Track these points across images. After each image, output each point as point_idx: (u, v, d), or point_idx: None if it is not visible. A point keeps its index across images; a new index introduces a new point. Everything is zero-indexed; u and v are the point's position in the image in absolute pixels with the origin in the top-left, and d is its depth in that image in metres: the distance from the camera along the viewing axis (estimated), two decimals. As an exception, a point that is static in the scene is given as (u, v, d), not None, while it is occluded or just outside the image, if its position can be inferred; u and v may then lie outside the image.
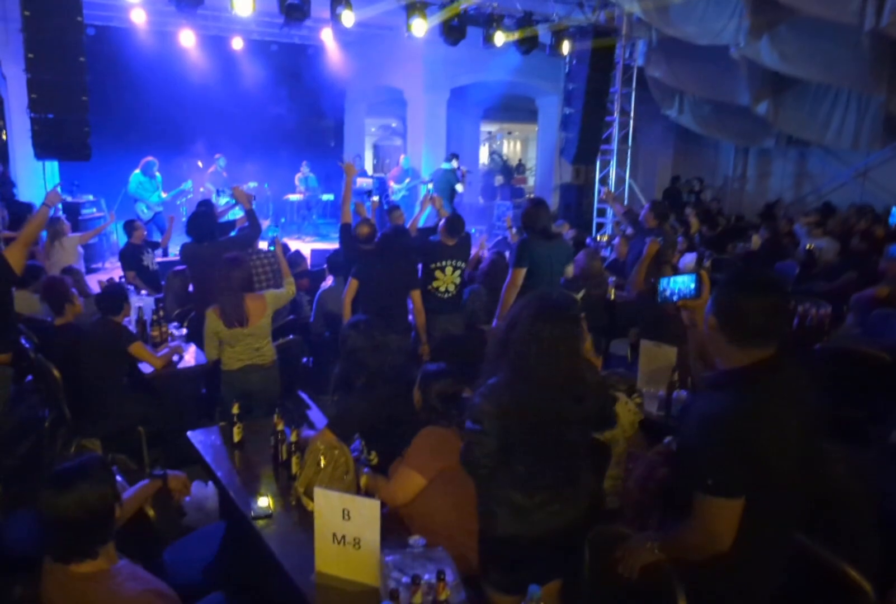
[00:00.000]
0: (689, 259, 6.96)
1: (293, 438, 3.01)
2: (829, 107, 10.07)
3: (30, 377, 4.39)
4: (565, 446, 2.27)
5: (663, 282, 2.47)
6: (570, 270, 5.23)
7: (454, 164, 10.97)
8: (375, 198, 10.25)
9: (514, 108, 16.22)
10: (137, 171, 9.56)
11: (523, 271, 4.72)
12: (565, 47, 9.48)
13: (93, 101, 6.76)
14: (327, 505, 2.28)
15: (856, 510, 2.59)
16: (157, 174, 9.73)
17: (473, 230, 11.47)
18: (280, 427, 3.09)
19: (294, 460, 2.93)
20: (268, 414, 3.34)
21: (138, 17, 8.56)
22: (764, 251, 7.70)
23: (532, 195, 15.81)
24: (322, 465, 2.74)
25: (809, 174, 12.83)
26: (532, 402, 2.18)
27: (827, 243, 7.69)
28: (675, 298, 2.41)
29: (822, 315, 5.30)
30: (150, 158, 9.74)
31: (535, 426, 2.19)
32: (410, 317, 5.02)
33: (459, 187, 11.05)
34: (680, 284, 2.40)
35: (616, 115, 10.60)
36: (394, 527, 2.51)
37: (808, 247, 7.55)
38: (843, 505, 2.67)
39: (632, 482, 3.19)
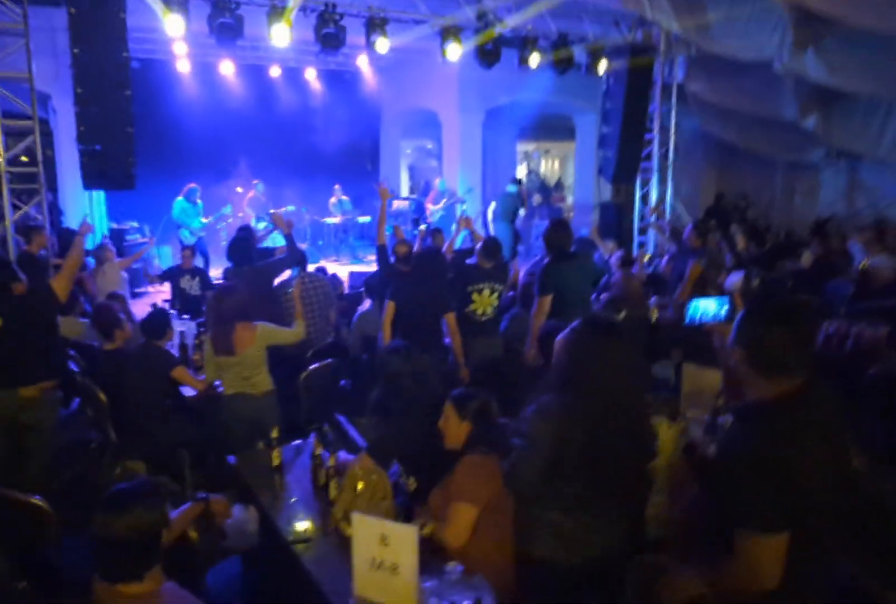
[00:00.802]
0: (735, 278, 6.78)
1: (331, 462, 2.99)
2: (881, 119, 9.79)
3: (77, 401, 4.48)
4: (615, 471, 2.21)
5: (692, 304, 2.42)
6: (610, 246, 5.15)
7: (518, 187, 11.07)
8: (423, 226, 10.34)
9: (551, 127, 16.20)
10: (180, 197, 9.82)
11: (549, 298, 4.70)
12: (602, 66, 9.43)
13: (137, 130, 6.96)
14: (365, 531, 2.25)
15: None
16: (199, 201, 9.97)
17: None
18: (318, 451, 3.09)
19: (332, 484, 2.92)
20: (268, 443, 3.31)
21: (180, 50, 8.82)
22: (815, 269, 7.46)
23: (571, 214, 15.76)
24: (360, 490, 2.72)
25: (862, 188, 12.43)
26: (588, 422, 2.13)
27: (884, 260, 7.39)
28: (703, 321, 2.35)
29: (877, 337, 5.09)
30: (192, 185, 9.99)
31: (588, 447, 2.14)
32: (447, 339, 5.00)
33: (522, 211, 11.16)
34: (710, 307, 2.34)
35: (656, 132, 10.49)
36: (431, 553, 2.46)
37: (862, 264, 7.28)
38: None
39: (676, 512, 3.10)
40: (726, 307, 2.37)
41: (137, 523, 1.94)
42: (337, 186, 12.86)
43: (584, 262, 5.10)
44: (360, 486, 2.70)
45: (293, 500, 3.00)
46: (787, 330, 1.83)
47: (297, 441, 3.57)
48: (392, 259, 5.31)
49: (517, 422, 2.30)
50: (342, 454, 3.13)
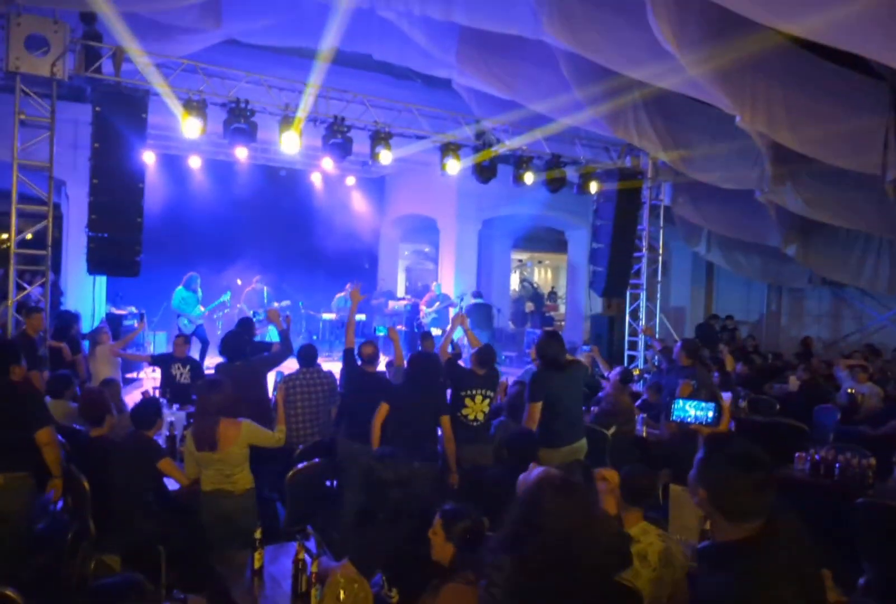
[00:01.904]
0: (723, 398, 6.88)
1: (314, 568, 2.93)
2: (860, 250, 10.23)
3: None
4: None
5: (679, 402, 2.47)
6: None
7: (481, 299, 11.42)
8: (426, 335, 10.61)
9: (544, 239, 16.81)
10: (180, 286, 9.98)
11: (539, 405, 4.75)
12: (593, 187, 9.92)
13: (144, 219, 7.19)
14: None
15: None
16: (199, 289, 10.13)
17: (503, 357, 11.60)
18: (301, 556, 3.03)
19: (314, 592, 2.84)
20: (251, 544, 3.23)
21: (194, 148, 9.25)
22: (802, 393, 7.56)
23: (563, 323, 16.00)
24: (341, 599, 2.65)
25: (847, 314, 12.75)
26: (537, 583, 2.09)
27: (870, 388, 7.51)
28: (690, 421, 2.40)
29: (865, 466, 5.12)
30: (192, 273, 10.19)
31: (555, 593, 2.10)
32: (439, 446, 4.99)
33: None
34: (698, 409, 2.40)
35: (644, 250, 10.89)
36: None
37: (849, 391, 7.40)
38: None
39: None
40: (712, 412, 2.43)
41: None
42: (348, 286, 13.07)
43: (577, 372, 5.18)
44: (342, 595, 2.64)
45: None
46: (745, 476, 1.88)
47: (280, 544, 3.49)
48: (359, 361, 5.36)
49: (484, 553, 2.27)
50: (325, 560, 3.07)
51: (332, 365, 10.31)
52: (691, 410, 2.45)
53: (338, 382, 5.86)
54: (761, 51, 6.10)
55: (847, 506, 4.50)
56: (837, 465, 5.18)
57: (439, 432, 4.94)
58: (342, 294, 12.85)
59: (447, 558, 2.67)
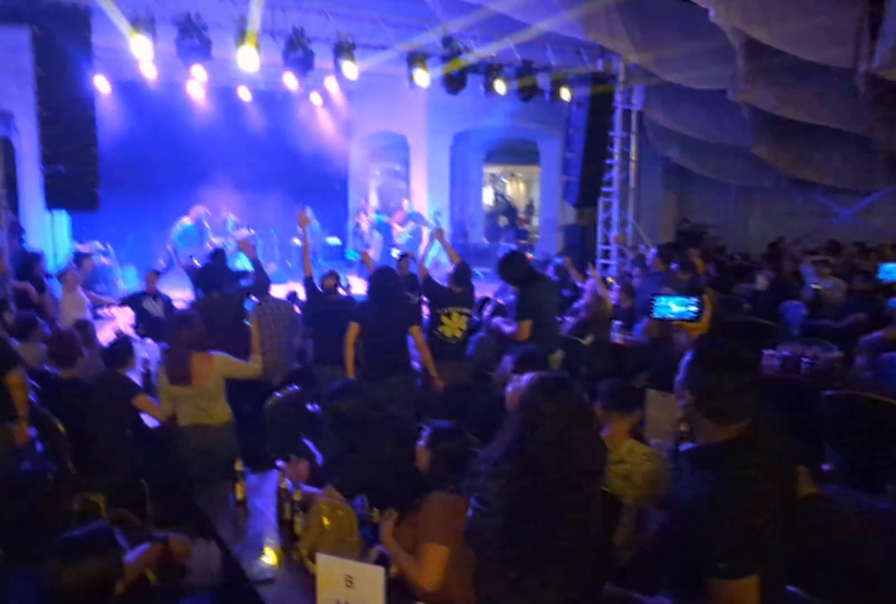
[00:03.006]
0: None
1: (297, 496, 2.97)
2: (828, 147, 10.19)
3: (33, 430, 4.37)
4: (573, 525, 2.19)
5: (660, 299, 2.45)
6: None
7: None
8: (396, 252, 10.43)
9: (517, 151, 16.47)
10: (188, 222, 9.74)
11: (529, 323, 4.78)
12: (565, 94, 9.63)
13: (102, 150, 6.90)
14: (330, 571, 2.25)
15: (873, 562, 2.55)
16: (207, 225, 9.95)
17: (479, 272, 11.57)
18: (283, 484, 3.06)
19: (297, 520, 2.89)
20: (226, 476, 3.26)
21: (148, 71, 8.78)
22: (770, 292, 7.66)
23: (537, 235, 15.93)
24: (326, 525, 2.70)
25: (812, 213, 12.87)
26: (542, 484, 2.14)
27: (834, 283, 7.64)
28: (671, 317, 2.39)
29: (831, 359, 5.27)
30: (201, 209, 9.92)
31: (544, 508, 2.14)
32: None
33: None
34: (679, 304, 2.39)
35: (617, 158, 10.72)
36: (399, 594, 2.44)
37: (814, 287, 7.52)
38: (858, 558, 2.63)
39: (642, 540, 3.13)
40: (694, 307, 2.41)
41: (89, 573, 1.87)
42: (307, 208, 12.86)
43: (548, 285, 5.26)
44: (326, 522, 2.69)
45: (257, 535, 2.97)
46: (733, 379, 1.90)
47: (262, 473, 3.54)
48: (321, 290, 5.37)
49: (470, 477, 2.30)
50: (307, 487, 3.11)
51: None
52: (673, 306, 2.42)
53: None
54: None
55: (815, 398, 4.66)
56: (805, 359, 5.32)
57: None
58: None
59: (424, 466, 2.73)
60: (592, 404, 3.13)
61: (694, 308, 2.37)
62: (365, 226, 12.87)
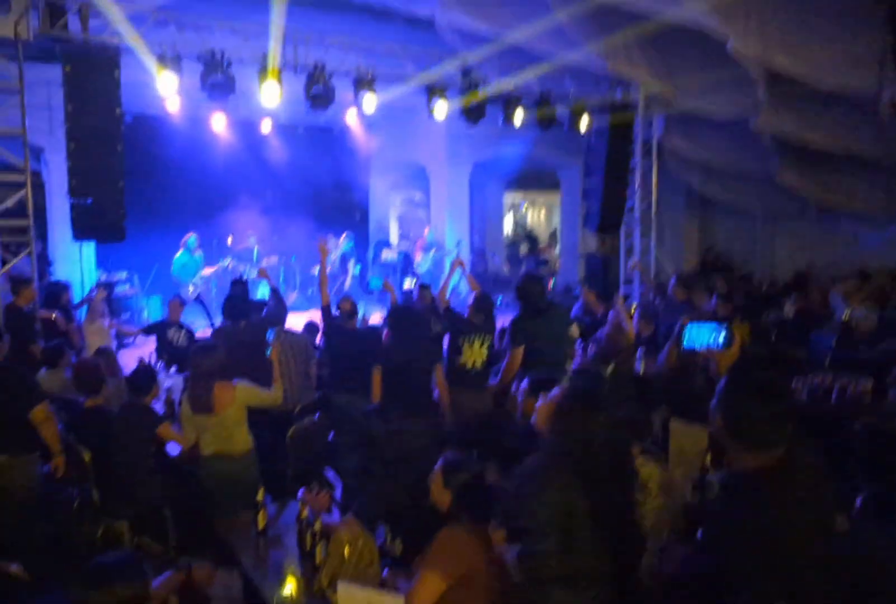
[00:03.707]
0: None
1: (317, 526, 2.95)
2: (855, 174, 10.07)
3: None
4: (614, 534, 2.19)
5: (688, 329, 2.42)
6: (574, 331, 5.22)
7: None
8: (411, 279, 10.45)
9: (537, 179, 16.54)
10: (180, 252, 9.92)
11: (521, 350, 4.74)
12: (583, 123, 9.69)
13: (128, 182, 7.04)
14: (351, 601, 2.23)
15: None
16: (199, 252, 10.08)
17: (500, 300, 11.56)
18: (304, 514, 3.05)
19: (319, 549, 2.87)
20: (253, 505, 3.25)
21: (173, 106, 9.00)
22: (798, 320, 7.54)
23: (558, 263, 15.92)
24: (346, 555, 2.68)
25: (841, 240, 12.65)
26: (583, 490, 2.13)
27: (864, 312, 7.49)
28: (699, 347, 2.36)
29: (861, 390, 5.15)
30: (191, 235, 10.09)
31: (591, 514, 2.13)
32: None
33: None
34: (708, 332, 2.36)
35: (637, 186, 10.71)
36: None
37: (844, 316, 7.38)
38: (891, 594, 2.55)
39: (666, 568, 3.06)
40: (724, 333, 2.38)
41: (117, 599, 1.87)
42: (331, 236, 12.98)
43: (559, 314, 5.17)
44: (346, 551, 2.67)
45: (279, 564, 2.95)
46: (767, 406, 1.86)
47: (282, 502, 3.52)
48: (336, 313, 5.37)
49: (505, 493, 2.29)
50: (328, 517, 3.09)
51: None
52: (701, 335, 2.39)
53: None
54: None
55: (845, 430, 4.55)
56: (835, 390, 5.21)
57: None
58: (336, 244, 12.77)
59: (445, 506, 2.69)
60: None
61: (723, 336, 2.34)
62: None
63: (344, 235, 12.68)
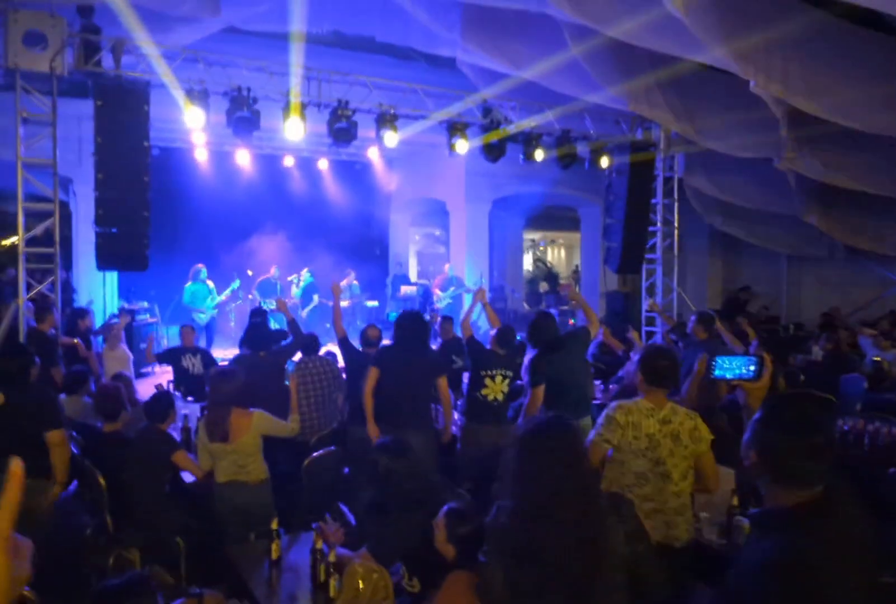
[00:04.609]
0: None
1: (332, 558, 2.87)
2: (882, 215, 9.98)
3: (75, 482, 4.36)
4: (576, 582, 2.04)
5: (718, 361, 2.36)
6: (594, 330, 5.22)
7: None
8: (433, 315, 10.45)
9: (557, 217, 16.61)
10: (189, 283, 10.03)
11: (542, 388, 4.67)
12: (604, 162, 9.73)
13: (153, 213, 7.14)
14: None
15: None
16: (209, 282, 10.16)
17: (519, 338, 11.48)
18: (319, 545, 2.97)
19: (332, 582, 2.79)
20: (267, 535, 3.18)
21: (199, 139, 9.20)
22: (827, 363, 7.40)
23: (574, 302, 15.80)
24: (361, 589, 2.59)
25: (870, 283, 12.48)
26: (539, 536, 2.02)
27: (895, 355, 7.35)
28: (730, 377, 2.30)
29: (895, 435, 5.01)
30: (199, 266, 10.19)
31: (544, 560, 2.00)
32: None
33: None
34: (738, 364, 2.30)
35: (659, 225, 10.69)
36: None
37: (875, 358, 7.24)
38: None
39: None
40: (753, 366, 2.31)
41: None
42: (349, 271, 13.04)
43: (576, 346, 5.09)
44: (361, 585, 2.58)
45: (291, 596, 2.87)
46: (804, 440, 1.76)
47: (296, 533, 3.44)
48: (363, 345, 5.35)
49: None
50: (343, 549, 3.01)
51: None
52: (731, 366, 2.33)
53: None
54: (776, 13, 5.90)
55: (878, 475, 4.40)
56: (867, 435, 5.07)
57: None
58: (345, 282, 12.79)
59: (449, 556, 2.61)
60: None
61: (753, 367, 2.27)
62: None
63: (352, 273, 12.69)
